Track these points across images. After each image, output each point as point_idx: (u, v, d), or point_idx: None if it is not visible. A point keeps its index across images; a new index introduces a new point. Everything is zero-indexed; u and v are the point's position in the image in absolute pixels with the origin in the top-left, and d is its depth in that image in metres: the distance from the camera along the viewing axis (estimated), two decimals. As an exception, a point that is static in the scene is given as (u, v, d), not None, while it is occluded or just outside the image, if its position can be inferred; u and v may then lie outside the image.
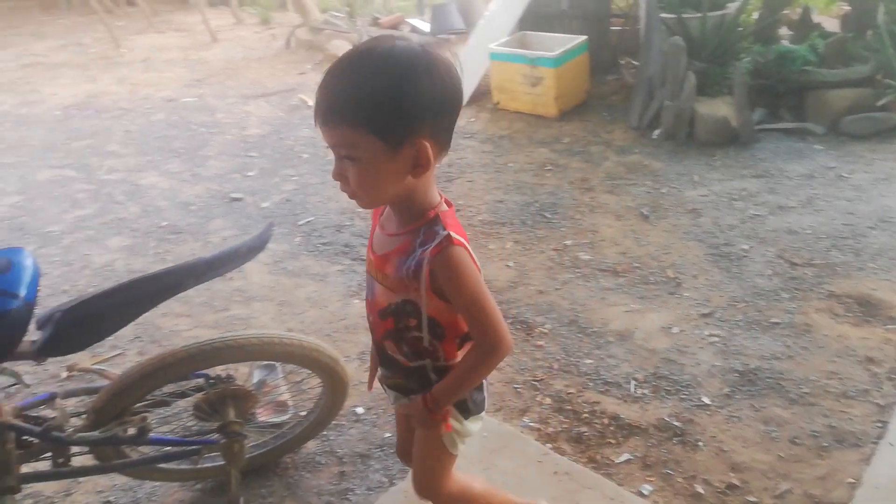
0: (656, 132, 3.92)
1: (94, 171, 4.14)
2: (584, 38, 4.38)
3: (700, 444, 1.98)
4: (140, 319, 2.71)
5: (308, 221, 3.39)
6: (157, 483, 1.96)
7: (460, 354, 1.27)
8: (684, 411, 2.09)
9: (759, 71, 3.97)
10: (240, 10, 7.59)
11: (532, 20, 4.68)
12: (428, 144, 1.07)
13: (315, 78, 5.50)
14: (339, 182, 1.11)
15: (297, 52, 6.25)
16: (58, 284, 2.96)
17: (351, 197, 1.12)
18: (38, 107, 5.40)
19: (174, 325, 2.67)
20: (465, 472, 1.86)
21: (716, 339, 2.38)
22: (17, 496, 1.61)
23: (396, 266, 1.17)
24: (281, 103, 5.11)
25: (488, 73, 4.54)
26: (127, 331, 2.63)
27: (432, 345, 1.24)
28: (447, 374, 1.26)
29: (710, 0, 4.21)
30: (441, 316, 1.21)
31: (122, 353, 2.53)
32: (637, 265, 2.83)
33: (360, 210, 3.75)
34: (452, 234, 1.13)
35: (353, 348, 2.48)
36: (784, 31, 4.52)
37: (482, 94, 4.63)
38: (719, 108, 3.83)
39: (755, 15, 4.53)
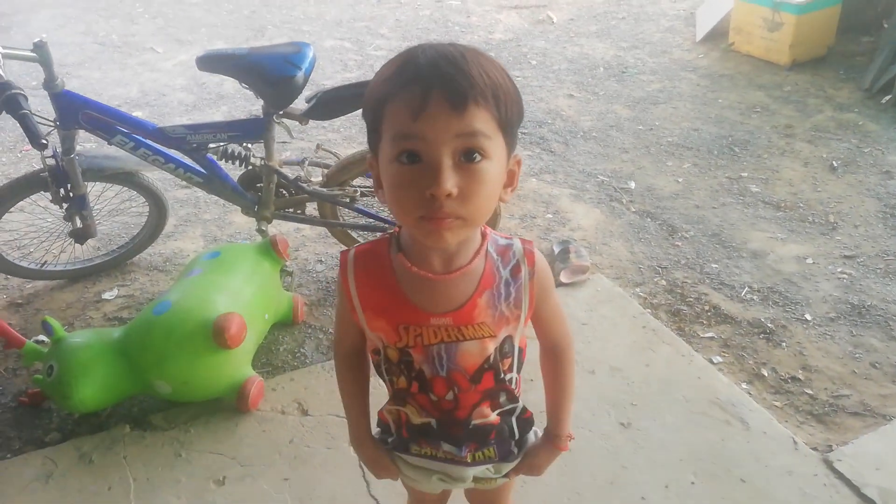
0: (886, 98, 3.77)
1: (364, 47, 5.03)
2: (842, -10, 4.23)
3: (783, 344, 2.24)
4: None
5: (518, 113, 3.92)
6: (355, 257, 2.70)
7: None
8: (782, 319, 2.34)
9: None
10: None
11: (794, -33, 4.57)
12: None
13: (566, -2, 5.89)
14: (437, 199, 0.77)
15: (558, -26, 6.62)
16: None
17: (453, 217, 0.80)
18: (335, -10, 6.47)
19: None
20: (569, 314, 2.32)
21: (845, 276, 2.52)
22: (268, 227, 2.42)
23: (491, 304, 0.95)
24: (529, 16, 5.59)
25: (729, 14, 4.58)
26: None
27: (517, 383, 1.07)
28: (556, 404, 1.13)
29: None
30: (523, 342, 1.04)
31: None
32: (802, 206, 2.97)
33: (563, 110, 4.26)
34: (516, 238, 0.99)
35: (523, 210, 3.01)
36: None
37: (719, 34, 4.70)
38: (968, 83, 3.59)
39: None
